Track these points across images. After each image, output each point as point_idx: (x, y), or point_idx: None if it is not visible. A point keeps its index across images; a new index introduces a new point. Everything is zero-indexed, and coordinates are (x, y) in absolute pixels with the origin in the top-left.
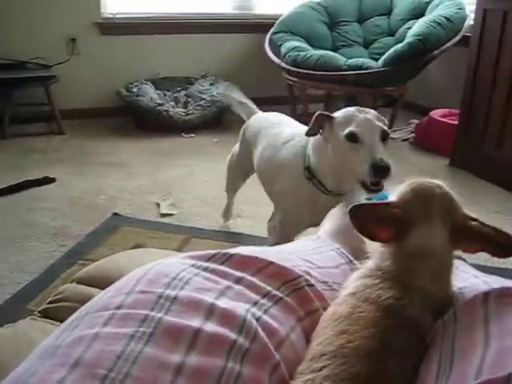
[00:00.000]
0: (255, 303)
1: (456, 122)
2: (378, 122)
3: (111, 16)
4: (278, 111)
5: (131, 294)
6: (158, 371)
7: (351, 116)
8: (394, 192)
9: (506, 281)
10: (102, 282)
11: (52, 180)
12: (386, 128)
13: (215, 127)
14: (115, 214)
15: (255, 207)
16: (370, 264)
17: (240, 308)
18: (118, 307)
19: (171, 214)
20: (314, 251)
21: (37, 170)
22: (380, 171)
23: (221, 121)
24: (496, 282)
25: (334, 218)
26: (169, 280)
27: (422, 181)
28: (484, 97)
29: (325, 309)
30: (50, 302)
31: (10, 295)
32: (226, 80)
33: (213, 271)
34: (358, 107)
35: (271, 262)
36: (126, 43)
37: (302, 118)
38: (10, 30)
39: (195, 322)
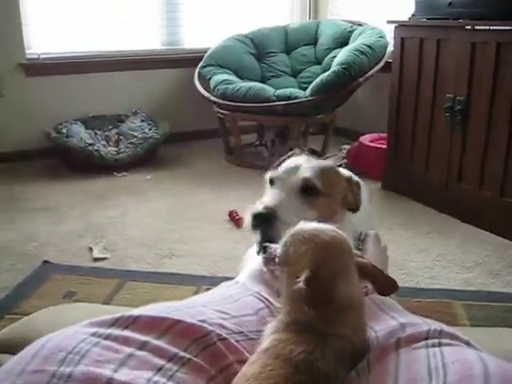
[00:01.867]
0: (159, 369)
1: (385, 146)
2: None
3: (36, 57)
4: (211, 144)
5: (22, 375)
6: None
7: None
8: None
9: (423, 321)
10: (16, 347)
11: None
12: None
13: (148, 164)
14: (45, 261)
15: (187, 245)
16: (283, 317)
17: (141, 378)
18: None
19: (104, 258)
20: (229, 299)
21: None
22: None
23: (154, 157)
24: (412, 325)
25: (252, 259)
26: (64, 355)
27: (316, 236)
28: (408, 120)
29: (239, 361)
30: None
31: None
32: (156, 115)
33: (115, 339)
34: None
35: (179, 321)
36: (53, 83)
37: (234, 150)
38: None
39: None
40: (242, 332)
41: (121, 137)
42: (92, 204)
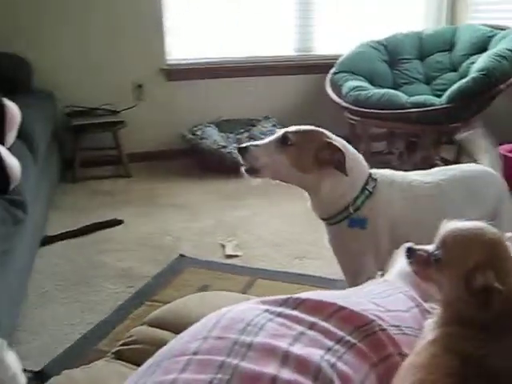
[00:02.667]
0: (329, 349)
1: None
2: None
3: (176, 62)
4: None
5: (207, 339)
6: None
7: None
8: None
9: None
10: (172, 325)
11: (120, 222)
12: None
13: None
14: (181, 255)
15: (319, 248)
16: (446, 313)
17: (315, 355)
18: (195, 353)
19: (236, 256)
20: (382, 295)
21: (105, 211)
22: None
23: None
24: None
25: (399, 259)
26: (243, 326)
27: (480, 234)
28: None
29: (398, 354)
30: (122, 344)
31: (80, 335)
32: (288, 120)
33: (286, 317)
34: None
35: (342, 307)
36: (190, 88)
37: (364, 157)
38: (82, 79)
39: (271, 369)
40: (398, 326)
41: (252, 140)
42: (224, 203)
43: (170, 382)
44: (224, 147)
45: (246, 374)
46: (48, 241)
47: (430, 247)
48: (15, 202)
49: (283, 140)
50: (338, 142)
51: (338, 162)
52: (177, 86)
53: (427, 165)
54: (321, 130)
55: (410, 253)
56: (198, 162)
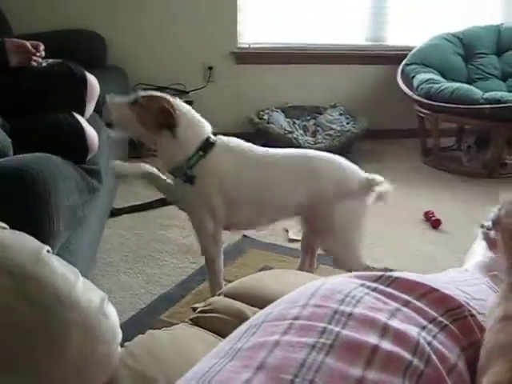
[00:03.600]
0: (424, 327)
1: None
2: None
3: (246, 46)
4: (408, 144)
5: (306, 306)
6: (341, 382)
7: None
8: None
9: None
10: (248, 298)
11: None
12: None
13: (344, 157)
14: (245, 236)
15: (384, 241)
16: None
17: (412, 330)
18: (296, 318)
19: (299, 240)
20: (466, 283)
21: None
22: None
23: (350, 151)
24: None
25: (477, 251)
26: (342, 297)
27: None
28: None
29: None
30: (200, 312)
31: (144, 305)
32: (355, 110)
33: (381, 292)
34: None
35: (434, 289)
36: (259, 72)
37: (432, 152)
38: (153, 58)
39: (372, 339)
40: (483, 314)
41: (318, 128)
42: None
43: (272, 342)
44: (290, 133)
45: (348, 341)
46: (115, 213)
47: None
48: (91, 172)
49: (134, 100)
50: (181, 108)
51: (169, 126)
52: (246, 70)
53: (497, 163)
54: (168, 97)
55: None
56: (264, 145)
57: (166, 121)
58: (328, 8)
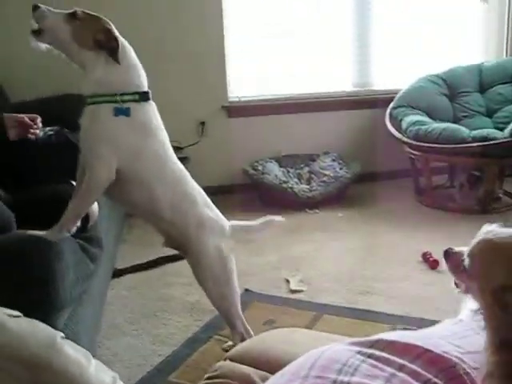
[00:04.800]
0: None
1: None
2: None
3: (237, 99)
4: (401, 184)
5: (307, 378)
6: None
7: None
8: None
9: None
10: (253, 361)
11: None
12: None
13: (339, 202)
14: (246, 289)
15: (381, 284)
16: (493, 335)
17: None
18: None
19: (301, 291)
20: (460, 335)
21: None
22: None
23: (345, 195)
24: None
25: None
26: (340, 366)
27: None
28: None
29: None
30: (208, 378)
31: (152, 367)
32: (347, 155)
33: (377, 358)
34: None
35: (428, 350)
36: (251, 124)
37: (425, 191)
38: None
39: None
40: (477, 368)
41: (312, 175)
42: (287, 238)
43: None
44: (285, 182)
45: None
46: (117, 273)
47: (466, 250)
48: (92, 240)
49: (72, 14)
50: (123, 40)
51: (111, 48)
52: (238, 122)
53: (490, 198)
54: (109, 22)
55: (446, 255)
56: (260, 196)
57: (108, 42)
58: (313, 57)
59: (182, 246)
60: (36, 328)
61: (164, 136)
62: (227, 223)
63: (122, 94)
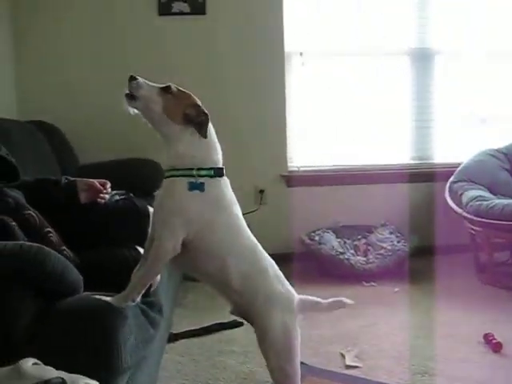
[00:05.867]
0: None
1: None
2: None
3: (296, 169)
4: (462, 259)
5: None
6: None
7: None
8: None
9: None
10: None
11: (240, 324)
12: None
13: (396, 276)
14: (302, 363)
15: (440, 364)
16: None
17: None
18: None
19: (356, 366)
20: None
21: (225, 312)
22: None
23: (402, 269)
24: None
25: None
26: None
27: None
28: None
29: None
30: None
31: None
32: (405, 228)
33: None
34: None
35: None
36: (309, 193)
37: (486, 268)
38: None
39: None
40: None
41: (369, 247)
42: (342, 311)
43: None
44: (342, 253)
45: None
46: (173, 338)
47: None
48: (153, 304)
49: (166, 88)
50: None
51: (200, 122)
52: (296, 192)
53: None
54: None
55: None
56: (316, 266)
57: (197, 116)
58: (373, 129)
59: (248, 316)
60: None
61: (237, 210)
62: (297, 297)
63: (198, 169)
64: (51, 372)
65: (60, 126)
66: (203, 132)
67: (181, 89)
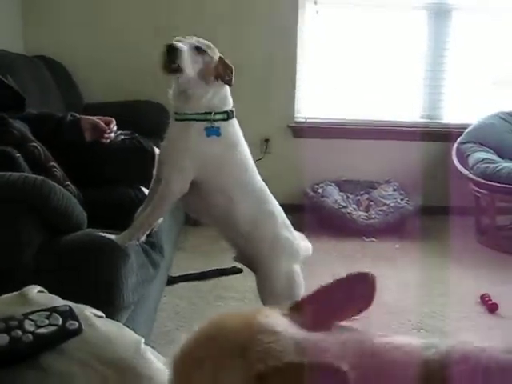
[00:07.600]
0: None
1: None
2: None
3: (303, 120)
4: (463, 221)
5: None
6: None
7: None
8: None
9: None
10: None
11: (239, 270)
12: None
13: (397, 233)
14: None
15: (436, 321)
16: None
17: None
18: None
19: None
20: None
21: (225, 257)
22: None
23: (404, 227)
24: None
25: None
26: None
27: None
28: None
29: None
30: None
31: None
32: (409, 186)
33: None
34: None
35: None
36: (314, 146)
37: (487, 231)
38: None
39: None
40: None
41: (371, 203)
42: (342, 264)
43: None
44: (344, 207)
45: None
46: (171, 281)
47: None
48: (155, 245)
49: (200, 51)
50: None
51: (229, 79)
52: (302, 143)
53: None
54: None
55: None
56: (318, 219)
57: (226, 74)
58: (384, 85)
59: (252, 262)
60: (122, 331)
61: (246, 150)
62: (302, 247)
63: (215, 114)
64: (58, 300)
65: (66, 64)
66: (230, 84)
67: (210, 45)
